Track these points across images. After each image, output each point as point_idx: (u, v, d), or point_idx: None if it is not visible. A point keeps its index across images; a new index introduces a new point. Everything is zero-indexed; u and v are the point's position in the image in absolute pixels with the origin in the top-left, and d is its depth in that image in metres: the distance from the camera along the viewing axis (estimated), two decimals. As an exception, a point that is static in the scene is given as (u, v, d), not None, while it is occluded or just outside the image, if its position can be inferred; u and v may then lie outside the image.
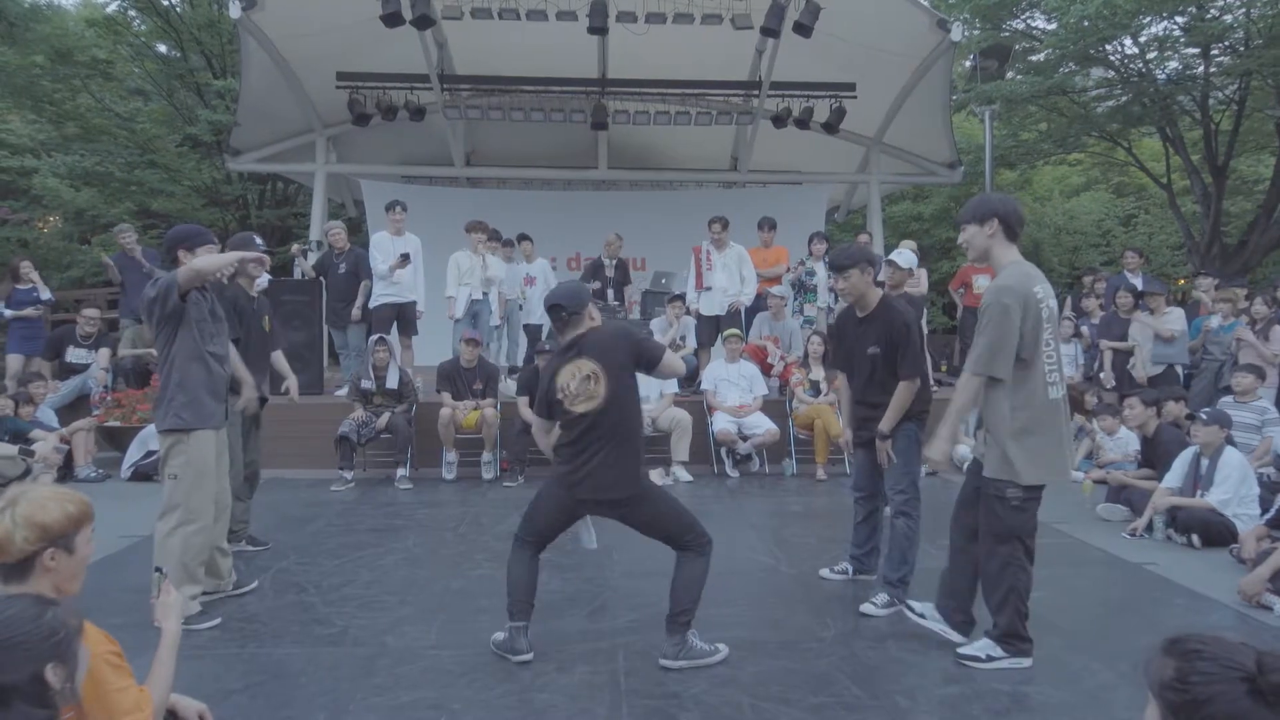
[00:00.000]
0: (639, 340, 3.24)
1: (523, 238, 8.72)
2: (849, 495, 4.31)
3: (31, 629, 1.48)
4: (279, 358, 5.01)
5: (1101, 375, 7.72)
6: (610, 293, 8.87)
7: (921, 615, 3.41)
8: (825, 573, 4.28)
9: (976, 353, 3.09)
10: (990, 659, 3.16)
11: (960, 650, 3.21)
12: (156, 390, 7.05)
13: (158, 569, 2.20)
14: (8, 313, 7.82)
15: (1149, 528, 5.07)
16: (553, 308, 3.21)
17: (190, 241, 3.71)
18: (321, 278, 8.02)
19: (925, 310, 9.01)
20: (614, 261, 8.93)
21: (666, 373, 3.27)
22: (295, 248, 9.10)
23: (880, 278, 5.12)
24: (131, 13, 15.26)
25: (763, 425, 6.94)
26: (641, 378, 7.39)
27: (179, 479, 3.57)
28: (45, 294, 8.39)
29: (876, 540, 4.17)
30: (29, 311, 7.95)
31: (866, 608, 3.74)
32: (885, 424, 3.78)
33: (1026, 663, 3.16)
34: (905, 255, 5.62)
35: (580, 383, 3.07)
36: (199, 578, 3.65)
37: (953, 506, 3.38)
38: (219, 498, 3.81)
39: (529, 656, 3.17)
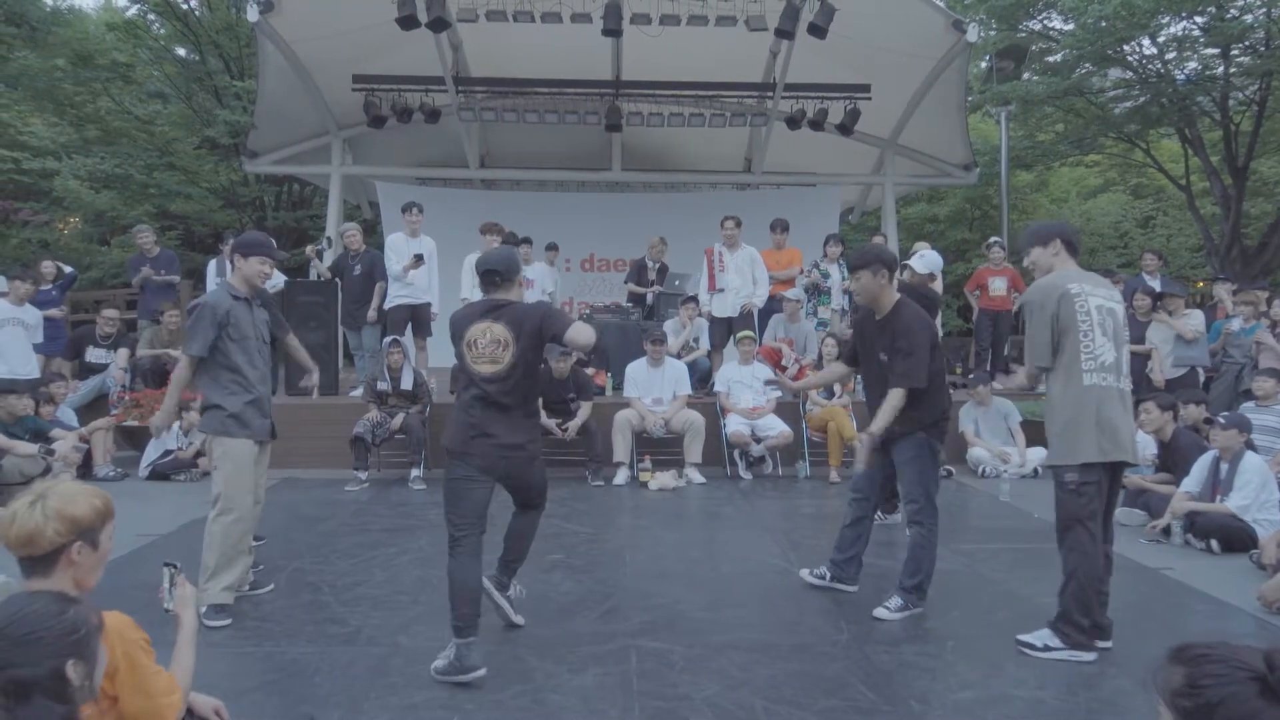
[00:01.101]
0: (547, 312, 3.31)
1: (523, 241, 8.74)
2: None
3: (54, 625, 1.51)
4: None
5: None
6: (649, 296, 8.89)
7: None
8: (805, 574, 4.17)
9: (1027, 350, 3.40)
10: (1047, 648, 3.19)
11: (1020, 636, 3.28)
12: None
13: (168, 563, 2.23)
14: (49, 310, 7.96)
15: (1165, 531, 5.03)
16: (487, 272, 3.33)
17: (243, 250, 3.87)
18: (337, 279, 8.08)
19: (940, 313, 8.95)
20: (657, 265, 9.01)
21: (577, 342, 3.25)
22: (309, 249, 9.18)
23: (902, 278, 5.06)
24: (151, 16, 15.44)
25: (776, 427, 6.92)
26: (653, 381, 7.37)
27: (220, 468, 3.74)
28: (68, 268, 8.57)
29: (859, 549, 4.04)
30: (53, 312, 8.06)
31: (880, 612, 3.71)
32: (875, 424, 3.69)
33: (1088, 656, 3.17)
34: (925, 259, 5.46)
35: (489, 345, 3.19)
36: (235, 568, 3.72)
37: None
38: (255, 493, 3.94)
39: (481, 672, 2.99)
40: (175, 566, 2.22)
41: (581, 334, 3.19)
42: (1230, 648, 1.17)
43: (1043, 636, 3.24)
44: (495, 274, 3.30)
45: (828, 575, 4.11)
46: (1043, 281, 3.34)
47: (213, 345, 3.70)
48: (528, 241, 8.77)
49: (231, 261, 3.91)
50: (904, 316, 3.74)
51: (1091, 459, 3.18)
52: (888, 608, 3.72)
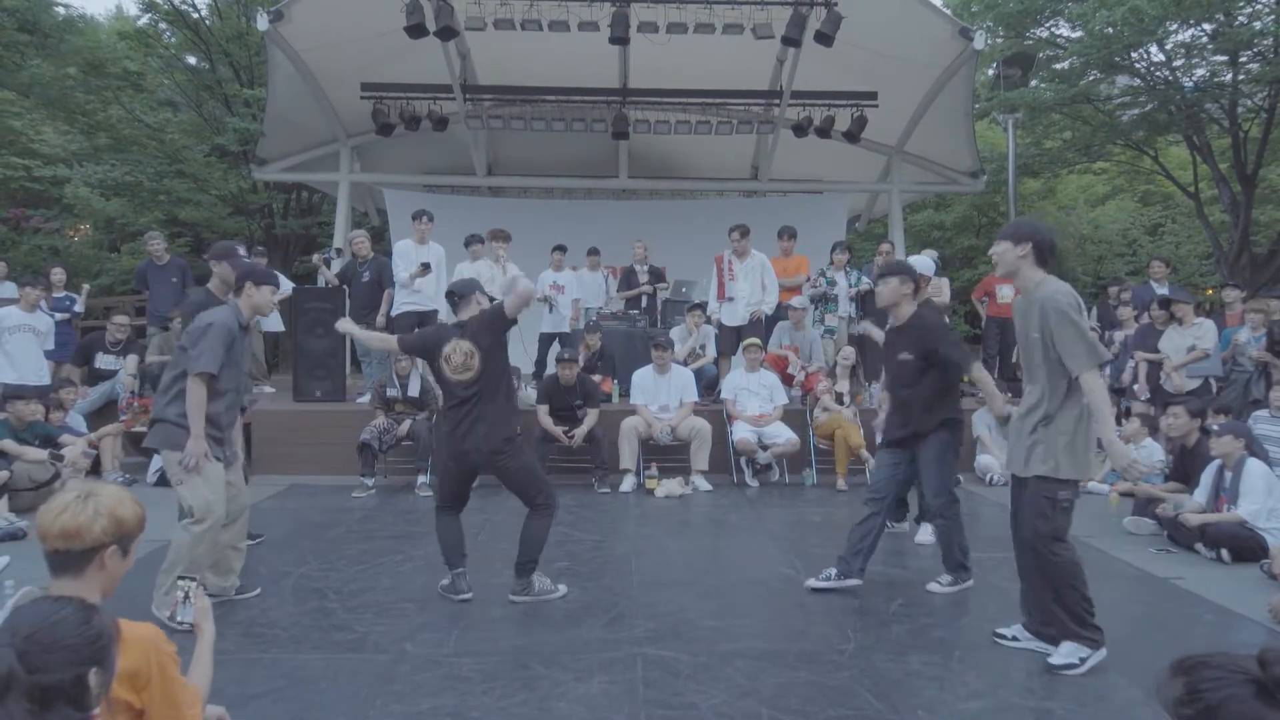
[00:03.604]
0: (493, 315, 3.94)
1: (556, 248, 8.82)
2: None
3: (82, 631, 1.52)
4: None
5: (1135, 387, 7.63)
6: (645, 299, 8.91)
7: (1015, 639, 3.47)
8: (812, 582, 4.19)
9: (1084, 351, 3.12)
10: (1083, 661, 3.18)
11: (1052, 661, 3.21)
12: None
13: (183, 576, 2.24)
14: (57, 316, 8.00)
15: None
16: (447, 294, 4.17)
17: (256, 279, 3.99)
18: (345, 285, 8.10)
19: (948, 319, 8.93)
20: (645, 267, 9.06)
21: (515, 307, 3.86)
22: (316, 257, 9.19)
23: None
24: (162, 25, 15.55)
25: (783, 435, 6.90)
26: (659, 388, 7.34)
27: (185, 482, 3.73)
28: (79, 306, 8.62)
29: (865, 545, 4.13)
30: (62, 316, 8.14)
31: (933, 586, 3.95)
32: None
33: (1103, 654, 3.20)
34: (919, 261, 5.56)
35: (461, 356, 3.87)
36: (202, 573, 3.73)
37: (1017, 525, 3.45)
38: (237, 498, 3.99)
39: (469, 595, 3.97)
40: (193, 580, 2.24)
41: (514, 303, 3.84)
42: (1227, 655, 1.18)
43: (1073, 651, 3.19)
44: (453, 294, 4.08)
45: (834, 573, 4.15)
46: (1064, 288, 3.23)
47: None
48: (561, 249, 8.82)
49: (241, 289, 3.95)
50: (923, 321, 4.11)
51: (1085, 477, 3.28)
52: (940, 582, 3.96)
